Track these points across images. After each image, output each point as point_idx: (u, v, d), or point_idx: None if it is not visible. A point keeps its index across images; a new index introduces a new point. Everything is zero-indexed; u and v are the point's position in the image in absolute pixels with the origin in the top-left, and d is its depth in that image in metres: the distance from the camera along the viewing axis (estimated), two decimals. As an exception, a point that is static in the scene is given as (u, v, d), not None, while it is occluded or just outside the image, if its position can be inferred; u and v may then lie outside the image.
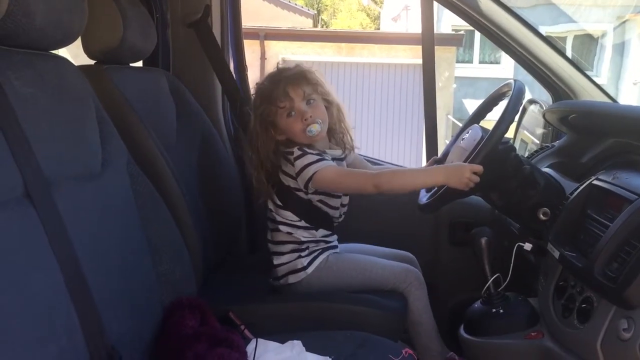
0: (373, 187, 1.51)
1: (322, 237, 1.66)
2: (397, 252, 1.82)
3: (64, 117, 1.04)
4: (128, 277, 1.12)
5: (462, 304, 1.76)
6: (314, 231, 1.64)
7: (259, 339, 1.28)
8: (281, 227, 1.64)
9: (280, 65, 1.66)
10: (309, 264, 1.62)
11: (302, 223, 1.63)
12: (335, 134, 1.69)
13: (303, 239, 1.63)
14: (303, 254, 1.63)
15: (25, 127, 0.91)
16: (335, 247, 1.71)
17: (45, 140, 0.96)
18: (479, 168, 1.43)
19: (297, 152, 1.57)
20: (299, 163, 1.56)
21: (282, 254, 1.64)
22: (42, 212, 0.90)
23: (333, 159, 1.63)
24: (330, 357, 1.24)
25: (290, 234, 1.64)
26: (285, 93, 1.57)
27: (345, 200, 1.71)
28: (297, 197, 1.62)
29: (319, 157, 1.57)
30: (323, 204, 1.64)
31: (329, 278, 1.63)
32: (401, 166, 2.16)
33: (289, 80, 1.59)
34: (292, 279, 1.63)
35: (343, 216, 1.72)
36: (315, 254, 1.64)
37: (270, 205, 1.67)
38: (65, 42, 1.07)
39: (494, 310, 1.54)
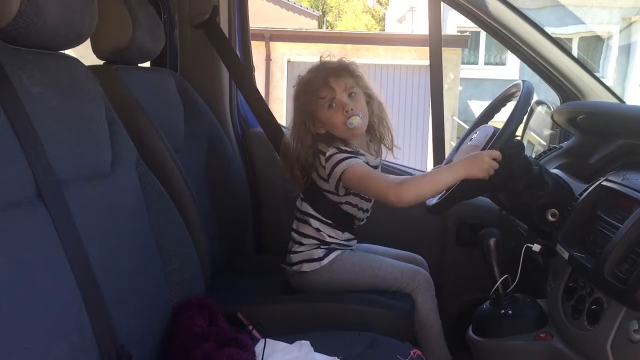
0: (394, 198, 1.45)
1: (345, 240, 1.68)
2: (406, 254, 1.82)
3: (74, 117, 1.05)
4: (137, 276, 1.12)
5: (469, 305, 1.75)
6: (339, 232, 1.65)
7: (267, 339, 1.28)
8: (311, 221, 1.64)
9: (322, 58, 1.64)
10: (324, 256, 1.63)
11: (332, 222, 1.64)
12: (374, 131, 1.67)
13: (328, 239, 1.64)
14: (322, 246, 1.64)
15: (36, 126, 0.91)
16: (351, 247, 1.72)
17: (55, 140, 0.97)
18: (497, 154, 1.40)
19: (329, 151, 1.56)
20: (329, 164, 1.56)
21: (303, 244, 1.65)
22: (53, 211, 0.90)
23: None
24: (338, 358, 1.24)
25: (318, 230, 1.64)
26: (326, 83, 1.56)
27: (370, 205, 1.72)
28: (327, 199, 1.63)
29: (349, 155, 1.55)
30: (351, 205, 1.64)
31: (339, 273, 1.63)
32: (409, 171, 2.15)
33: (331, 71, 1.57)
34: (306, 267, 1.63)
35: (365, 220, 1.72)
36: (332, 249, 1.65)
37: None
38: (75, 42, 1.08)
39: (502, 311, 1.53)
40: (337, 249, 1.65)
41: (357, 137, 1.61)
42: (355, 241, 1.73)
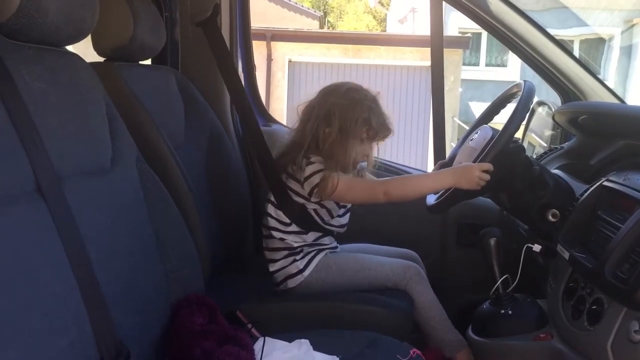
0: (383, 195, 1.53)
1: (314, 240, 1.65)
2: (400, 250, 1.81)
3: (74, 113, 1.04)
4: (136, 273, 1.12)
5: (469, 305, 1.75)
6: (304, 235, 1.63)
7: (266, 338, 1.27)
8: (274, 233, 1.63)
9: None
10: (305, 266, 1.62)
11: (293, 227, 1.62)
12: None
13: (295, 244, 1.63)
14: (298, 257, 1.62)
15: (36, 122, 0.91)
16: (333, 248, 1.71)
17: (55, 136, 0.96)
18: (488, 166, 1.43)
19: (314, 158, 1.57)
20: (310, 168, 1.56)
21: (276, 260, 1.63)
22: (53, 207, 0.90)
23: None
24: (337, 357, 1.24)
25: (282, 239, 1.63)
26: (387, 135, 1.62)
27: (345, 219, 1.70)
28: (291, 200, 1.61)
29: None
30: (315, 213, 1.63)
31: (328, 277, 1.62)
32: (409, 171, 2.15)
33: (388, 125, 1.63)
34: (291, 283, 1.62)
35: (342, 230, 1.70)
36: (311, 255, 1.63)
37: (268, 209, 1.66)
38: (76, 38, 1.07)
39: (502, 311, 1.53)
40: (314, 255, 1.63)
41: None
42: (329, 238, 1.69)
